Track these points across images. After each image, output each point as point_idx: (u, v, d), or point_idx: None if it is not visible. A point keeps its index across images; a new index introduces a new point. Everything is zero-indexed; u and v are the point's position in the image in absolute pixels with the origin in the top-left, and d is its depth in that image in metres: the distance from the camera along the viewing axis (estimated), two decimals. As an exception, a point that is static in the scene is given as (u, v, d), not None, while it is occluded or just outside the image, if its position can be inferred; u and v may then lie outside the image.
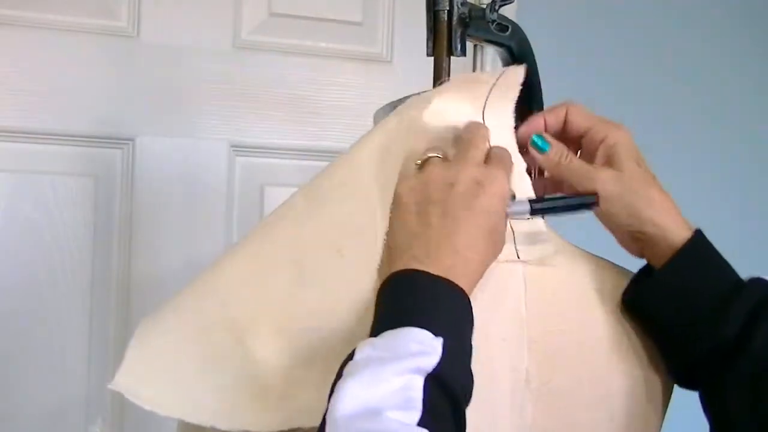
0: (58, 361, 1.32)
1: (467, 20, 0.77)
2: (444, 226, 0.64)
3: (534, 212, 0.69)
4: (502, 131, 0.74)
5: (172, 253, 1.36)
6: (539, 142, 0.73)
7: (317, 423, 0.56)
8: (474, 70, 1.48)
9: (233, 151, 1.39)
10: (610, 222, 0.74)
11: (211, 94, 1.38)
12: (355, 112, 1.42)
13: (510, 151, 0.73)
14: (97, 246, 1.34)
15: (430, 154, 0.69)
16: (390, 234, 0.67)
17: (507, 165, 0.70)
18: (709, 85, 1.69)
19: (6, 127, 1.29)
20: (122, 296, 1.34)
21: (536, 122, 0.75)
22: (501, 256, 0.71)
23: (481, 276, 0.66)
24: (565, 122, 0.75)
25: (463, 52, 0.78)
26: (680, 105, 1.66)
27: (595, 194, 0.71)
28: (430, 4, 0.77)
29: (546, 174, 0.77)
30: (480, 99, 0.74)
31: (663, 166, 1.71)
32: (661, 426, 0.75)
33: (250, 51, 1.40)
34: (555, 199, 0.72)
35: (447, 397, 0.57)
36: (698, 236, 0.73)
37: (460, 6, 0.76)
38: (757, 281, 0.72)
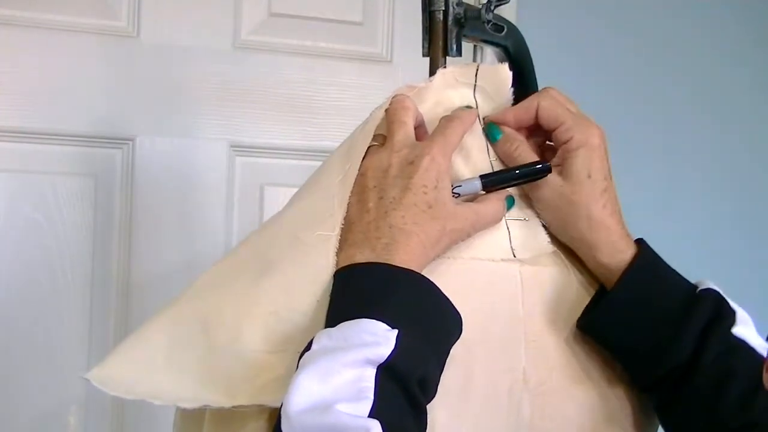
0: (58, 361, 1.32)
1: (463, 20, 0.77)
2: (379, 208, 0.65)
3: (486, 187, 0.69)
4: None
5: (172, 253, 1.36)
6: (492, 131, 0.74)
7: (278, 403, 0.57)
8: (474, 70, 1.48)
9: (233, 151, 1.39)
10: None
11: (211, 94, 1.38)
12: (355, 112, 1.40)
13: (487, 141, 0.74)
14: (97, 246, 1.34)
15: (369, 144, 0.70)
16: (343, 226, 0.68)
17: (447, 136, 0.69)
18: (709, 84, 1.68)
19: (6, 127, 1.29)
20: (122, 296, 1.34)
21: (505, 114, 0.74)
22: (497, 255, 0.71)
23: (433, 251, 0.66)
24: (536, 116, 0.73)
25: (459, 53, 0.78)
26: (680, 104, 1.66)
27: (548, 162, 0.70)
28: (426, 4, 0.77)
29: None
30: (469, 85, 0.75)
31: (662, 165, 1.71)
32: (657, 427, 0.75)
33: (250, 51, 1.40)
34: (508, 171, 0.71)
35: (401, 388, 0.57)
36: (642, 254, 0.71)
37: (455, 6, 0.76)
38: (707, 293, 0.70)
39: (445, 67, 0.77)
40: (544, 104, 0.73)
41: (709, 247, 1.66)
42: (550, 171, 0.70)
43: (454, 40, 0.77)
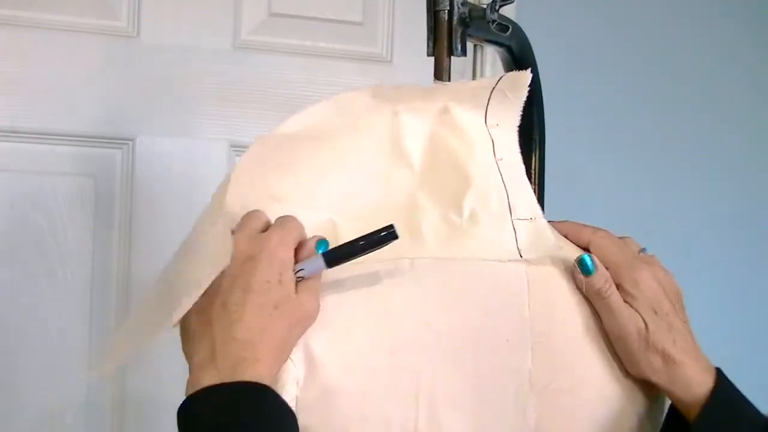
0: (58, 361, 1.32)
1: (467, 20, 0.77)
2: (222, 319, 0.62)
3: (331, 263, 0.66)
4: (505, 133, 0.74)
5: (172, 253, 1.35)
6: (588, 264, 0.72)
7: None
8: (474, 70, 1.48)
9: (233, 151, 1.39)
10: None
11: (211, 94, 1.38)
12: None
13: (514, 150, 0.73)
14: (97, 246, 1.34)
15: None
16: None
17: (286, 227, 0.66)
18: (710, 85, 1.69)
19: (6, 127, 1.29)
20: (122, 296, 1.34)
21: (578, 231, 0.75)
22: (504, 256, 0.71)
23: (286, 351, 0.63)
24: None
25: (464, 52, 0.78)
26: (680, 104, 1.66)
27: (391, 226, 0.66)
28: (431, 4, 0.77)
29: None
30: (483, 103, 0.74)
31: (664, 165, 1.72)
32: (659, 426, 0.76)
33: (250, 51, 1.40)
34: (352, 243, 0.67)
35: None
36: (721, 385, 0.71)
37: (460, 6, 0.77)
38: None
39: (449, 65, 0.77)
40: (595, 246, 0.74)
41: (708, 246, 1.67)
42: (396, 237, 0.66)
43: (458, 40, 0.77)
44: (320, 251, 0.66)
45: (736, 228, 1.70)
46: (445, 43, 0.77)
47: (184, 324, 0.66)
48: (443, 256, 0.70)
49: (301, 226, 0.67)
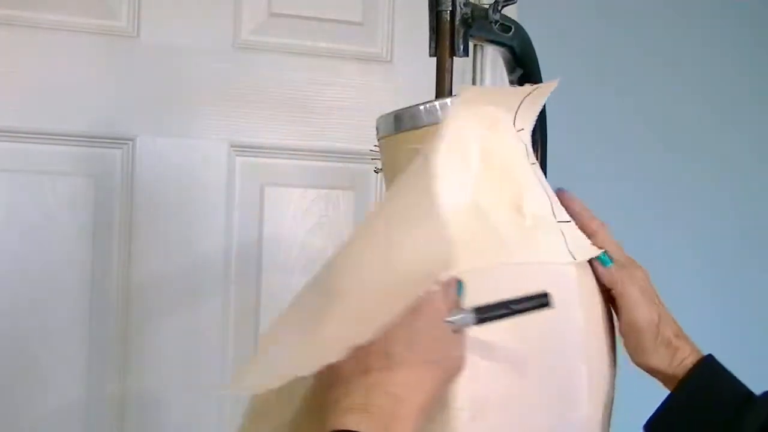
0: (58, 362, 1.31)
1: (470, 20, 0.77)
2: (382, 369, 0.61)
3: (480, 322, 0.66)
4: (527, 137, 0.77)
5: (172, 253, 1.36)
6: (606, 257, 0.76)
7: None
8: (474, 70, 1.48)
9: (233, 151, 1.39)
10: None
11: (211, 94, 1.38)
12: (356, 112, 1.42)
13: (525, 145, 0.75)
14: (97, 246, 1.33)
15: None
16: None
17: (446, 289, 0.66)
18: (711, 85, 1.69)
19: (6, 127, 1.29)
20: (122, 296, 1.34)
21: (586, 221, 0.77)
22: (560, 258, 0.73)
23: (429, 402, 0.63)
24: None
25: (466, 53, 0.78)
26: (682, 103, 1.66)
27: (546, 294, 0.67)
28: (433, 4, 0.77)
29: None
30: (513, 107, 0.75)
31: (664, 164, 1.71)
32: None
33: (250, 51, 1.40)
34: (503, 304, 0.67)
35: None
36: (706, 359, 0.76)
37: (462, 6, 0.77)
38: (766, 396, 0.74)
39: (451, 65, 0.77)
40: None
41: (709, 246, 1.67)
42: (549, 305, 0.67)
43: (461, 40, 0.77)
44: (459, 294, 0.67)
45: (738, 228, 1.70)
46: (448, 44, 0.77)
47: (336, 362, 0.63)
48: (524, 260, 0.72)
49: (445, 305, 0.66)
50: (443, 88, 0.78)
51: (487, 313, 0.66)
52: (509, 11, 0.81)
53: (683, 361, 0.75)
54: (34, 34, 1.30)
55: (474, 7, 0.78)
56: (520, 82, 0.77)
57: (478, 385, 0.68)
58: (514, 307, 0.66)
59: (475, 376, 0.67)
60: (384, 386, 0.61)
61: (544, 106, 0.84)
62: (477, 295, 0.67)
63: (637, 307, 0.75)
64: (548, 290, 0.68)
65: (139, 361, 1.34)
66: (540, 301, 0.67)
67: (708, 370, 0.75)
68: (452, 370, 0.65)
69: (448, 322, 0.65)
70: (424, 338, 0.63)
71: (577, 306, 0.73)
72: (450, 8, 0.76)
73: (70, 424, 1.33)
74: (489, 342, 0.68)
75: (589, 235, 0.77)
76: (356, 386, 0.61)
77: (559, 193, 0.78)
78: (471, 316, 0.66)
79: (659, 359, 0.75)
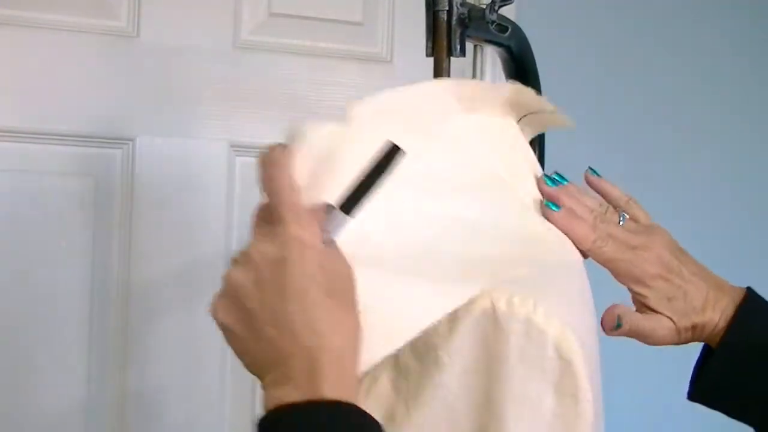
0: (58, 362, 1.32)
1: (467, 20, 0.77)
2: (284, 330, 0.57)
3: (349, 210, 0.61)
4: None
5: (172, 253, 1.36)
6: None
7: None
8: (473, 70, 1.48)
9: (233, 151, 1.39)
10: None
11: (211, 94, 1.38)
12: (355, 112, 1.42)
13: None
14: (97, 246, 1.33)
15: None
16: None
17: (285, 203, 0.61)
18: (712, 82, 1.69)
19: (6, 127, 1.29)
20: (122, 296, 1.34)
21: None
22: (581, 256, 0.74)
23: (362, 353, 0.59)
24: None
25: (463, 53, 0.79)
26: (682, 104, 1.66)
27: (390, 141, 0.61)
28: (430, 4, 0.78)
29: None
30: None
31: (667, 164, 1.71)
32: None
33: (250, 51, 1.40)
34: (358, 181, 0.61)
35: None
36: (738, 316, 0.75)
37: (459, 6, 0.77)
38: None
39: (449, 65, 0.78)
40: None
41: (712, 245, 1.66)
42: (400, 150, 0.61)
43: (457, 41, 0.77)
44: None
45: (741, 226, 1.70)
46: (445, 44, 0.77)
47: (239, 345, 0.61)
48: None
49: (291, 188, 0.61)
50: (441, 88, 0.78)
51: (351, 198, 0.61)
52: (506, 11, 0.81)
53: (715, 324, 0.75)
54: (34, 34, 1.30)
55: (471, 7, 0.78)
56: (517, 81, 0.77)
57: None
58: (369, 172, 0.61)
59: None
60: (290, 348, 0.57)
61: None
62: None
63: (646, 335, 0.76)
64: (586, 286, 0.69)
65: (139, 361, 1.34)
66: (390, 153, 0.61)
67: (743, 324, 0.74)
68: (350, 290, 0.60)
69: (327, 238, 0.60)
70: (306, 281, 0.58)
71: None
72: (447, 8, 0.77)
73: (70, 424, 1.33)
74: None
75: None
76: (265, 356, 0.58)
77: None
78: (339, 214, 0.61)
79: (688, 340, 0.76)
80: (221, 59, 1.38)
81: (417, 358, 0.64)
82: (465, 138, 0.71)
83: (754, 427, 0.76)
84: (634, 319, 0.75)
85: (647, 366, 1.37)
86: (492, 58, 1.45)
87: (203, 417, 1.37)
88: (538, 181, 0.76)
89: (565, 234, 0.73)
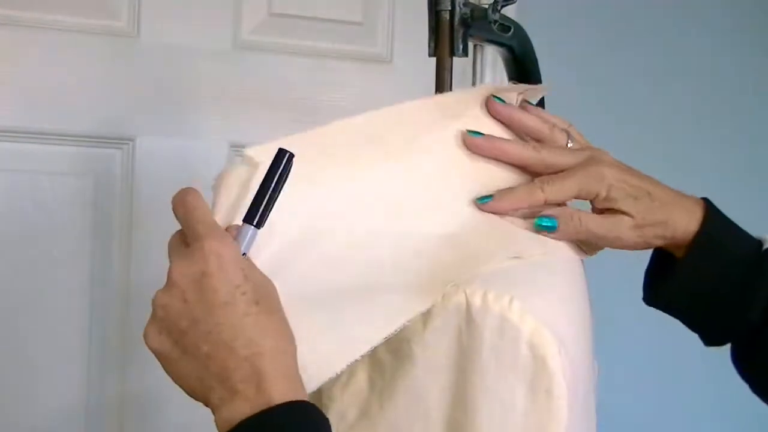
0: (58, 362, 1.31)
1: (469, 20, 0.77)
2: (219, 347, 0.57)
3: (259, 222, 0.63)
4: None
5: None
6: (546, 223, 0.72)
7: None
8: (474, 70, 1.48)
9: (233, 151, 1.39)
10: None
11: (211, 94, 1.37)
12: (355, 113, 1.42)
13: None
14: (97, 246, 1.33)
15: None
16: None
17: (200, 221, 0.63)
18: (711, 85, 1.69)
19: (6, 127, 1.29)
20: (122, 296, 1.34)
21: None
22: (577, 253, 0.74)
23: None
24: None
25: (465, 53, 0.78)
26: (683, 105, 1.66)
27: (281, 149, 0.64)
28: (432, 4, 0.77)
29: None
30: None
31: (664, 165, 1.71)
32: None
33: (250, 51, 1.40)
34: (260, 189, 0.64)
35: None
36: (707, 220, 0.74)
37: (462, 6, 0.77)
38: None
39: (451, 65, 0.78)
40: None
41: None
42: (292, 156, 0.64)
43: (460, 41, 0.77)
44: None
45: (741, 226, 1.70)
46: (447, 44, 0.77)
47: (174, 368, 0.62)
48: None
49: (206, 210, 0.65)
50: (443, 88, 0.79)
51: (252, 212, 0.62)
52: (508, 11, 0.81)
53: (678, 227, 0.73)
54: (35, 34, 1.30)
55: (473, 7, 0.78)
56: (519, 82, 0.77)
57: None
58: (268, 181, 0.63)
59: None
60: (229, 361, 0.58)
61: (544, 105, 0.84)
62: None
63: (602, 233, 0.73)
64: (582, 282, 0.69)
65: (139, 361, 1.34)
66: (282, 157, 0.63)
67: (710, 233, 0.73)
68: (273, 296, 0.61)
69: (241, 249, 0.61)
70: (231, 288, 0.58)
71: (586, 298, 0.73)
72: (449, 8, 0.77)
73: (70, 424, 1.33)
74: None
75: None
76: (206, 378, 0.59)
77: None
78: (247, 228, 0.62)
79: (650, 243, 0.74)
80: (221, 59, 1.38)
81: (391, 352, 0.65)
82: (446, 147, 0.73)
83: (701, 332, 0.75)
84: (591, 217, 0.73)
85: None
86: (492, 57, 1.45)
87: (203, 417, 1.37)
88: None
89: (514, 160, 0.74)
